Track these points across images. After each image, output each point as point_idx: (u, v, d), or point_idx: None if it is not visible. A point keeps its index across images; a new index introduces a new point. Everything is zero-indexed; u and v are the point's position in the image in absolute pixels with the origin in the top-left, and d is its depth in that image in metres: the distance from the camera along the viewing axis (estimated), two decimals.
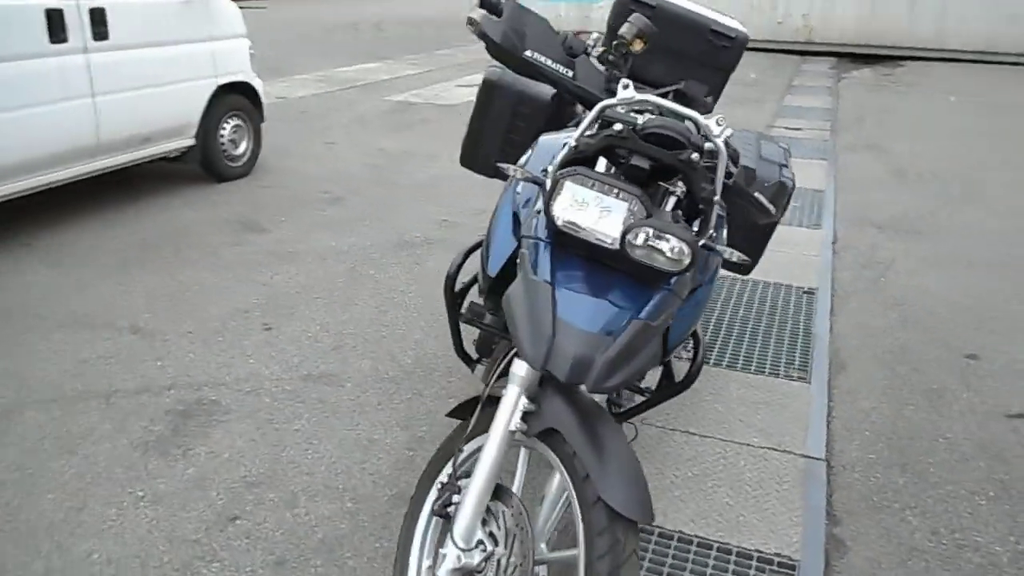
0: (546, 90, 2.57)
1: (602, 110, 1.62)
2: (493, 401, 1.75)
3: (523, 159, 2.00)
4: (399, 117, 8.12)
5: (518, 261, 1.66)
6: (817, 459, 2.71)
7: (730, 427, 2.88)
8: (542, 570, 1.73)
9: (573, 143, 1.62)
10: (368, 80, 10.31)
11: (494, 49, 1.88)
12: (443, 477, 1.90)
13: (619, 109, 1.70)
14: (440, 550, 1.71)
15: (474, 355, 2.43)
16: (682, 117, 1.65)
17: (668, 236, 1.52)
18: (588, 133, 1.63)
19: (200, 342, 3.36)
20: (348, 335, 3.46)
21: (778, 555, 2.26)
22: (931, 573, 2.22)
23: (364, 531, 2.31)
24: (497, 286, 1.96)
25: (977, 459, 2.72)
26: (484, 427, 1.78)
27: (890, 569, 2.23)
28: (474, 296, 2.38)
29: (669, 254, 1.53)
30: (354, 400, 2.97)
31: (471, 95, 9.92)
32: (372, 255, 4.37)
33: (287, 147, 6.57)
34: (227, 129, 5.51)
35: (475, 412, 1.77)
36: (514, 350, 1.79)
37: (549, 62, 1.87)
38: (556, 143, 1.95)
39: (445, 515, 1.76)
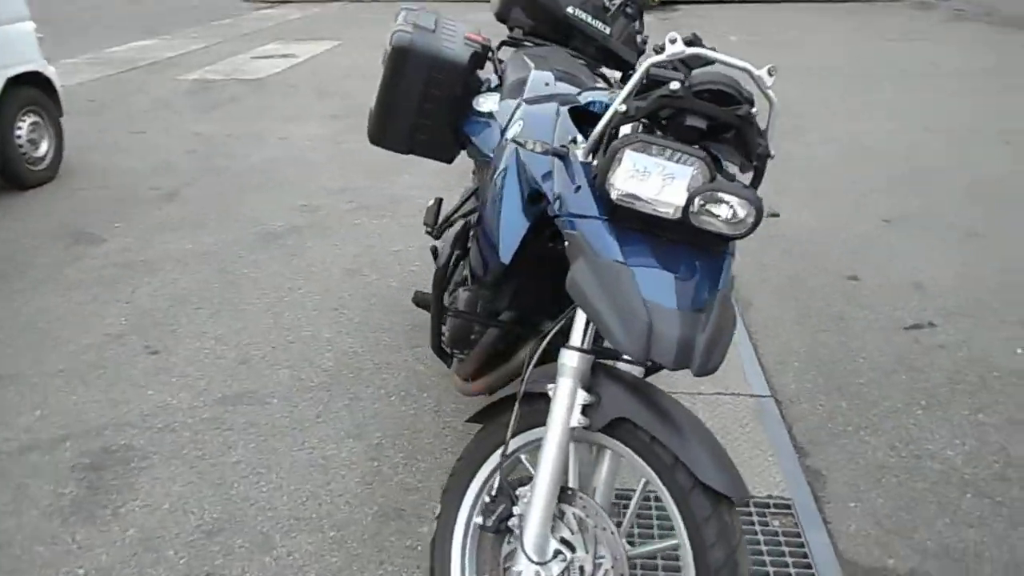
0: (461, 53, 2.39)
1: (648, 69, 1.50)
2: (532, 398, 1.62)
3: (515, 129, 1.83)
4: (203, 97, 7.40)
5: (567, 243, 1.51)
6: (765, 397, 2.83)
7: (673, 378, 2.89)
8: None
9: (622, 107, 1.49)
10: (151, 59, 9.29)
11: (530, 7, 1.68)
12: (475, 487, 1.75)
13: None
14: (512, 568, 1.57)
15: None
16: (715, 69, 1.57)
17: (731, 199, 1.45)
18: (635, 94, 1.50)
19: (79, 380, 2.86)
20: (250, 346, 3.10)
21: (770, 497, 2.33)
22: (904, 486, 2.39)
23: (361, 559, 2.09)
24: (506, 275, 1.80)
25: (898, 373, 2.96)
26: (525, 427, 1.65)
27: (869, 489, 2.38)
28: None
29: (733, 218, 1.46)
30: (288, 417, 2.68)
31: (273, 67, 9.28)
32: (238, 253, 3.95)
33: (89, 142, 5.77)
34: (24, 128, 4.72)
35: (512, 413, 1.63)
36: (545, 340, 1.66)
37: (590, 19, 1.71)
38: (549, 110, 1.80)
39: (505, 529, 1.61)
